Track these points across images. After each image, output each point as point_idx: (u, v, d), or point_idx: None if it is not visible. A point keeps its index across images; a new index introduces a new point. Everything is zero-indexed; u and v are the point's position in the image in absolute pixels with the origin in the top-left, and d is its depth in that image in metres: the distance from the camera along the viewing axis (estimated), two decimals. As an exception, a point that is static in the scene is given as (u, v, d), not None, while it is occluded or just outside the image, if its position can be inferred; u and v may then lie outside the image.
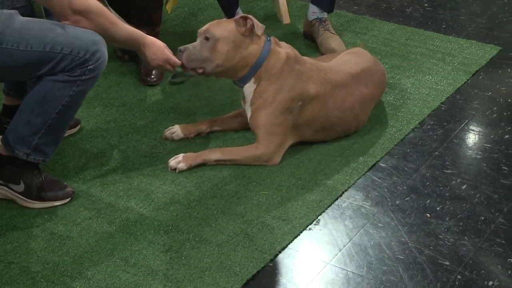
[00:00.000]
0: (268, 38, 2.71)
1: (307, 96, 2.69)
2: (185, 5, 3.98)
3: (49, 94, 2.30)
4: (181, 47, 2.67)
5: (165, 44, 2.57)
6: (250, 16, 2.66)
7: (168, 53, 2.56)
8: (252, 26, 2.64)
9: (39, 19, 2.35)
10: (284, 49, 2.73)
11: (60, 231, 2.37)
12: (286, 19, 3.75)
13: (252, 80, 2.69)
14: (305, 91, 2.68)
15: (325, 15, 3.52)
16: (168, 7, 3.28)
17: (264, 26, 2.67)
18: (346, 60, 2.95)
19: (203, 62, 2.65)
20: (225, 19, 2.94)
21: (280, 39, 2.80)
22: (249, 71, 2.68)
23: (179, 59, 2.62)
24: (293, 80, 2.68)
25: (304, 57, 2.79)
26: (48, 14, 2.45)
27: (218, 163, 2.68)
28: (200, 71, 2.67)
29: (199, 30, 2.70)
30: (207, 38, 2.64)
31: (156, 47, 2.52)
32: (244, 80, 2.71)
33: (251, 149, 2.69)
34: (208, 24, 2.70)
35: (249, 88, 2.71)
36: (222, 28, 2.65)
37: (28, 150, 2.39)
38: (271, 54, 2.68)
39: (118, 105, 3.07)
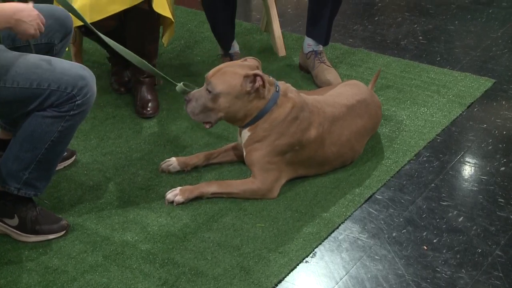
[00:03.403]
0: (277, 89, 2.65)
1: (307, 141, 2.68)
2: (182, 38, 4.00)
3: (38, 129, 2.29)
4: (186, 97, 2.62)
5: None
6: (260, 75, 2.57)
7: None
8: (260, 87, 2.58)
9: (27, 54, 2.31)
10: (291, 98, 2.66)
11: (55, 265, 2.35)
12: (282, 52, 3.77)
13: (248, 127, 2.67)
14: (305, 137, 2.67)
15: (320, 47, 3.54)
16: (165, 39, 3.30)
17: (273, 82, 2.60)
18: (341, 92, 2.95)
19: (206, 115, 2.61)
20: (233, 68, 2.61)
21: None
22: (251, 121, 2.66)
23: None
24: (294, 128, 2.65)
25: (306, 97, 2.74)
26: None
27: (215, 196, 2.68)
28: (207, 126, 2.64)
29: (206, 75, 2.62)
30: (208, 91, 2.58)
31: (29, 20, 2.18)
32: (244, 127, 2.69)
33: (247, 183, 2.68)
34: (214, 72, 2.59)
35: (243, 131, 2.70)
36: (225, 83, 2.57)
37: (19, 185, 2.38)
38: (276, 107, 2.63)
39: (114, 137, 3.07)
